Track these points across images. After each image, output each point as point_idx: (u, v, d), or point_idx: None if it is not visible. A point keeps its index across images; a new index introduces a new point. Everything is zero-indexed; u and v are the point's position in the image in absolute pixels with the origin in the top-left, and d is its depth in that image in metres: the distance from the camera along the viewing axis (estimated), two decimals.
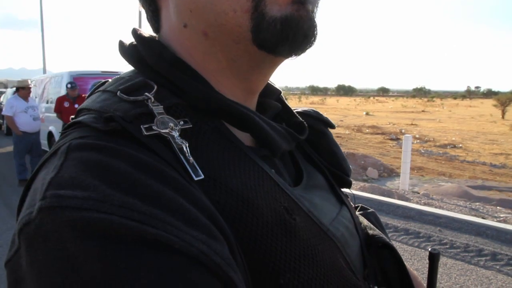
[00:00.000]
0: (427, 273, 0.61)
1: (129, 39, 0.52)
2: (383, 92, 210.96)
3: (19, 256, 0.32)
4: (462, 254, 4.06)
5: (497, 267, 3.81)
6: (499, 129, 24.23)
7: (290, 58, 0.48)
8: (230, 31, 0.44)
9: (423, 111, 44.49)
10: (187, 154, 0.39)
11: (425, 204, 5.77)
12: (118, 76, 0.48)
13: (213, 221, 0.34)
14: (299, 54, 0.48)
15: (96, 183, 0.32)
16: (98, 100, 0.43)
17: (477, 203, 6.59)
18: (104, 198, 0.31)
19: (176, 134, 0.40)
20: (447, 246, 4.20)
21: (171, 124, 0.40)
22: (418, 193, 7.22)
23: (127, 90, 0.43)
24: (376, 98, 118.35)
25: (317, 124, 0.62)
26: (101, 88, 0.47)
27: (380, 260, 0.58)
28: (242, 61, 0.47)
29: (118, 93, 0.42)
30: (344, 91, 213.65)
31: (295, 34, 0.45)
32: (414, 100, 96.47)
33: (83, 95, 7.19)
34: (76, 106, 6.89)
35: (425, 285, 0.62)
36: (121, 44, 0.52)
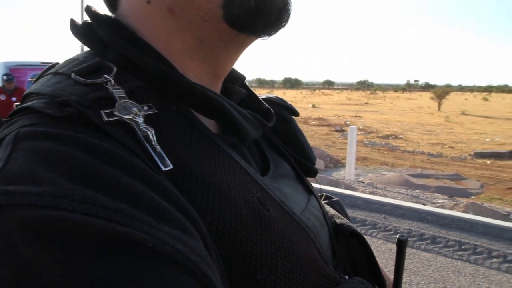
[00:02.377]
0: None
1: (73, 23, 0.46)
2: (329, 85, 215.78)
3: None
4: None
5: (436, 249, 4.06)
6: (436, 120, 25.50)
7: (261, 38, 0.46)
8: (198, 7, 0.41)
9: (366, 103, 45.89)
10: (153, 142, 0.35)
11: (370, 193, 6.00)
12: (71, 57, 0.43)
13: (185, 215, 0.31)
14: (271, 34, 0.45)
15: (52, 176, 0.28)
16: (48, 84, 0.38)
17: (417, 191, 6.94)
18: (63, 193, 0.27)
19: (140, 120, 0.36)
20: (391, 232, 4.41)
21: (135, 109, 0.36)
22: (363, 182, 7.48)
23: (83, 72, 0.38)
24: (322, 90, 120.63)
25: (281, 111, 0.59)
26: (51, 71, 0.42)
27: (348, 248, 0.57)
28: (210, 41, 0.43)
29: (72, 75, 0.37)
30: (291, 83, 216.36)
31: (270, 11, 0.42)
32: (358, 92, 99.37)
33: (20, 88, 6.85)
34: (14, 99, 6.55)
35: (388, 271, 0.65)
36: (73, 23, 0.46)
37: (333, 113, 29.56)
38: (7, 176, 0.28)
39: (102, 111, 0.34)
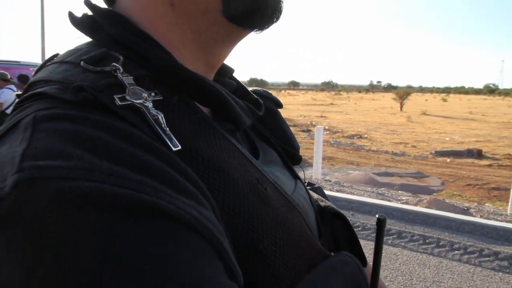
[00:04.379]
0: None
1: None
2: (294, 85, 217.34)
3: None
4: (372, 235, 4.42)
5: (403, 243, 4.21)
6: (398, 120, 26.14)
7: (255, 32, 0.49)
8: (199, 1, 0.43)
9: (331, 104, 46.52)
10: (163, 125, 0.37)
11: (337, 191, 6.14)
12: (74, 48, 0.44)
13: (198, 189, 0.34)
14: (265, 28, 0.48)
15: (79, 152, 0.29)
16: (57, 71, 0.39)
17: (382, 188, 7.14)
18: (92, 167, 0.28)
19: (150, 105, 0.37)
20: (359, 229, 4.54)
21: (145, 95, 0.38)
22: (330, 181, 7.63)
23: (91, 60, 0.39)
24: (287, 91, 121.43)
25: (267, 103, 0.63)
26: (55, 60, 0.43)
27: (332, 228, 0.61)
28: (208, 34, 0.46)
29: (81, 63, 0.38)
30: (256, 84, 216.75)
31: (266, 7, 0.45)
32: (323, 93, 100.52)
33: None
34: None
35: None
36: (72, 15, 0.47)
37: (299, 113, 29.83)
38: (35, 153, 0.29)
39: (115, 96, 0.36)
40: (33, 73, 0.45)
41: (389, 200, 5.76)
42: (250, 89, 0.61)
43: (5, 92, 6.50)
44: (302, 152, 0.67)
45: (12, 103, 6.51)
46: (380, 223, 0.60)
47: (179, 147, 0.36)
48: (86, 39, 0.46)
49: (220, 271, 0.31)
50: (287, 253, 0.41)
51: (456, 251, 4.02)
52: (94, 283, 0.24)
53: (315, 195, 0.67)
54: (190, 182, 0.33)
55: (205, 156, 0.39)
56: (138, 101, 0.36)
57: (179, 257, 0.27)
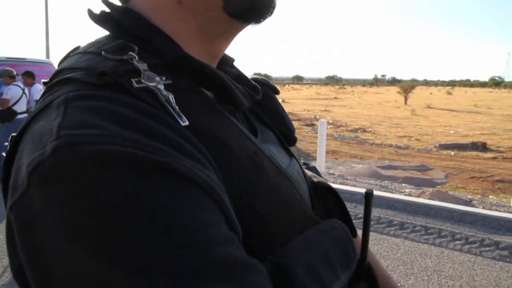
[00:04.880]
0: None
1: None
2: (298, 80, 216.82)
3: (28, 197, 0.33)
4: (375, 226, 4.48)
5: (404, 234, 4.27)
6: (403, 114, 26.13)
7: (252, 25, 0.54)
8: (203, 0, 0.49)
9: (335, 98, 46.49)
10: (173, 104, 0.42)
11: (340, 184, 6.20)
12: (94, 41, 0.50)
13: (203, 156, 0.39)
14: (261, 22, 0.54)
15: (105, 124, 0.35)
16: (82, 60, 0.45)
17: (386, 181, 7.19)
18: (116, 134, 0.34)
19: (161, 87, 0.43)
20: (361, 220, 4.59)
21: (157, 79, 0.43)
22: (334, 174, 7.67)
23: (111, 50, 0.45)
24: (291, 85, 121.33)
25: (265, 89, 0.68)
26: (79, 51, 0.49)
27: (325, 202, 0.65)
28: (211, 27, 0.52)
29: (102, 53, 0.44)
30: None
31: (262, 3, 0.51)
32: (327, 87, 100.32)
33: None
34: None
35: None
36: (91, 12, 0.53)
37: (303, 107, 29.86)
38: (69, 125, 0.34)
39: (132, 79, 0.41)
40: (57, 64, 0.52)
41: (392, 193, 5.81)
42: (249, 76, 0.67)
43: (12, 88, 6.56)
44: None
45: (19, 99, 6.59)
46: (368, 197, 0.66)
47: (187, 123, 0.42)
48: (99, 34, 0.53)
49: (222, 221, 0.36)
50: (281, 215, 0.47)
51: (458, 241, 4.07)
52: (121, 221, 0.30)
53: (309, 172, 0.72)
54: (196, 150, 0.39)
55: (209, 131, 0.44)
56: (151, 84, 0.42)
57: (186, 206, 0.33)
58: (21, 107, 6.57)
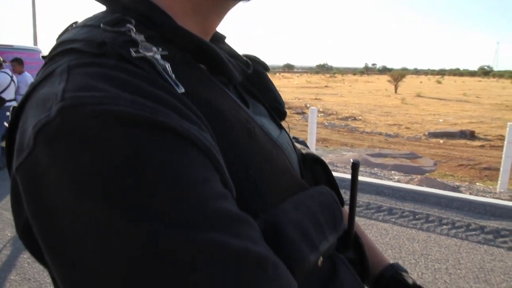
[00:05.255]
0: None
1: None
2: (289, 68, 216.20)
3: (34, 156, 0.35)
4: (364, 211, 4.55)
5: (393, 219, 4.34)
6: (393, 102, 26.23)
7: (242, 1, 0.56)
8: None
9: (326, 86, 46.49)
10: (169, 73, 0.44)
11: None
12: (92, 16, 0.52)
13: (199, 119, 0.41)
14: None
15: (106, 87, 0.36)
16: (82, 33, 0.47)
17: (376, 169, 7.27)
18: (118, 96, 0.35)
19: (158, 57, 0.44)
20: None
21: (154, 49, 0.45)
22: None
23: (109, 23, 0.46)
24: (282, 74, 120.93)
25: (256, 65, 0.70)
26: (78, 25, 0.51)
27: (313, 172, 0.68)
28: (204, 5, 0.54)
29: (101, 26, 0.46)
30: None
31: None
32: (317, 76, 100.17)
33: None
34: None
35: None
36: None
37: (294, 96, 29.83)
38: (73, 88, 0.36)
39: (130, 49, 0.43)
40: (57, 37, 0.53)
41: (381, 179, 5.89)
42: (241, 53, 0.70)
43: (0, 76, 6.50)
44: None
45: (7, 86, 6.51)
46: (355, 166, 0.70)
47: (183, 90, 0.43)
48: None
49: (217, 179, 0.38)
50: (272, 179, 0.49)
51: (444, 226, 4.16)
52: (124, 173, 0.32)
53: (298, 145, 0.74)
54: (192, 113, 0.40)
55: (204, 98, 0.46)
56: (149, 54, 0.44)
57: (184, 162, 0.35)
58: (9, 94, 6.50)
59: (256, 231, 0.38)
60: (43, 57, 0.50)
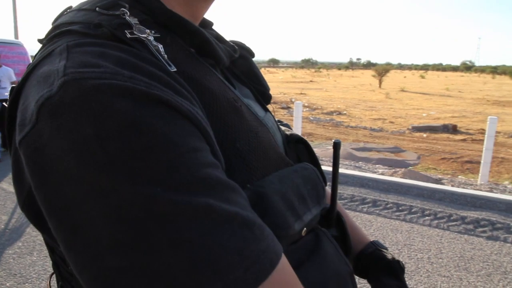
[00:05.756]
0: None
1: None
2: (274, 63, 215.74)
3: (38, 129, 0.36)
4: (349, 204, 4.61)
5: (377, 211, 4.42)
6: (377, 97, 26.44)
7: None
8: None
9: (311, 81, 46.59)
10: (162, 53, 0.46)
11: None
12: (85, 0, 0.54)
13: (190, 95, 0.43)
14: None
15: (105, 63, 0.38)
16: (78, 15, 0.49)
17: (360, 162, 7.34)
18: (117, 72, 0.38)
19: (152, 38, 0.47)
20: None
21: (147, 31, 0.47)
22: None
23: (104, 6, 0.49)
24: (267, 69, 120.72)
25: (242, 51, 0.73)
26: (73, 9, 0.53)
27: (297, 152, 0.70)
28: None
29: (97, 9, 0.48)
30: None
31: None
32: (302, 70, 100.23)
33: None
34: None
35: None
36: None
37: (279, 91, 29.83)
38: (74, 65, 0.38)
39: (125, 31, 0.45)
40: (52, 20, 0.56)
41: (365, 172, 5.97)
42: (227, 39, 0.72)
43: None
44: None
45: None
46: (336, 146, 0.73)
47: (175, 69, 0.46)
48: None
49: (207, 149, 0.40)
50: (258, 154, 0.52)
51: (427, 217, 4.25)
52: (123, 141, 0.34)
53: (282, 127, 0.77)
54: (184, 89, 0.43)
55: (194, 76, 0.49)
56: (142, 35, 0.46)
57: (177, 132, 0.37)
58: None
59: (244, 198, 0.41)
60: (39, 40, 0.53)
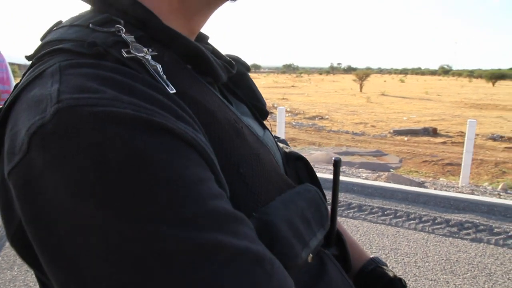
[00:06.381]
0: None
1: None
2: (255, 68, 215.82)
3: (29, 159, 0.34)
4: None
5: (363, 216, 4.44)
6: (358, 101, 26.71)
7: (230, 1, 0.56)
8: None
9: (293, 86, 46.79)
10: (160, 73, 0.44)
11: None
12: (77, 15, 0.51)
13: (192, 119, 0.41)
14: None
15: (102, 88, 0.36)
16: (70, 32, 0.46)
17: (344, 167, 7.39)
18: (115, 97, 0.35)
19: (149, 57, 0.44)
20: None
21: (145, 50, 0.44)
22: None
23: (98, 23, 0.46)
24: (249, 74, 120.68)
25: (238, 65, 0.69)
26: (63, 24, 0.49)
27: (296, 170, 0.68)
28: (191, 2, 0.53)
29: (90, 25, 0.45)
30: None
31: None
32: (284, 76, 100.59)
33: None
34: None
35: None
36: None
37: None
38: (68, 89, 0.35)
39: (122, 50, 0.42)
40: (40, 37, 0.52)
41: (349, 177, 6.01)
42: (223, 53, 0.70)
43: None
44: None
45: None
46: (336, 164, 0.72)
47: (174, 91, 0.43)
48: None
49: (212, 179, 0.38)
50: (262, 178, 0.50)
51: (412, 221, 4.29)
52: (123, 175, 0.32)
53: (280, 144, 0.75)
54: (186, 113, 0.40)
55: (194, 98, 0.46)
56: (140, 55, 0.43)
57: (181, 163, 0.35)
58: None
59: (251, 229, 0.39)
60: (27, 57, 0.49)
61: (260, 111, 0.71)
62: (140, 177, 0.32)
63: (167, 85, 0.43)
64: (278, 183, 0.54)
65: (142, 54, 0.44)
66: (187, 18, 0.55)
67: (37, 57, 0.45)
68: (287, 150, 0.72)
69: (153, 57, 0.46)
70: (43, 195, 0.33)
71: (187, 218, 0.33)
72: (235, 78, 0.69)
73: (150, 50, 0.46)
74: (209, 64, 0.54)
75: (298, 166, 0.69)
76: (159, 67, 0.44)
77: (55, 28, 0.51)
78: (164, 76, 0.44)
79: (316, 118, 17.68)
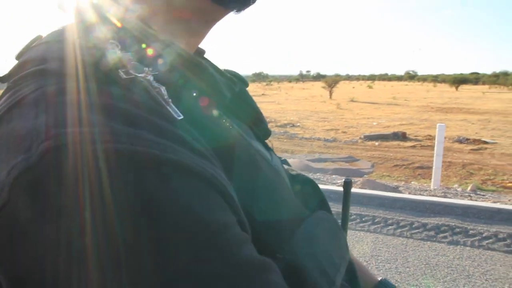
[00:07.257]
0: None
1: None
2: None
3: (12, 209, 0.28)
4: None
5: None
6: (328, 107, 27.06)
7: (233, 12, 0.50)
8: None
9: (263, 94, 46.98)
10: (165, 97, 0.38)
11: None
12: (59, 29, 0.45)
13: (208, 153, 0.36)
14: (244, 9, 0.50)
15: (99, 118, 0.30)
16: (53, 50, 0.39)
17: (318, 174, 7.42)
18: (116, 131, 0.30)
19: (151, 78, 0.39)
20: None
21: (146, 69, 0.39)
22: None
23: (87, 38, 0.39)
24: None
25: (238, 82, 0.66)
26: (45, 39, 0.43)
27: (304, 194, 0.63)
28: (194, 17, 0.48)
29: (78, 41, 0.39)
30: None
31: None
32: (254, 84, 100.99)
33: None
34: None
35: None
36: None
37: None
38: (57, 122, 0.30)
39: (119, 70, 0.36)
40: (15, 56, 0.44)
41: (325, 184, 6.02)
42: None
43: None
44: None
45: None
46: (347, 186, 0.69)
47: (182, 117, 0.37)
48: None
49: (235, 221, 0.34)
50: (282, 210, 0.47)
51: (390, 226, 4.32)
52: (141, 226, 0.27)
53: (285, 166, 0.71)
54: (200, 145, 0.36)
55: (205, 124, 0.41)
56: (140, 75, 0.38)
57: (202, 207, 0.31)
58: None
59: (279, 276, 0.35)
60: (1, 78, 0.42)
61: (263, 131, 0.66)
62: (155, 231, 0.27)
63: (173, 111, 0.37)
64: (296, 214, 0.50)
65: (142, 75, 0.38)
66: (189, 33, 0.51)
67: (14, 80, 0.38)
68: (293, 173, 0.67)
69: (155, 77, 0.40)
70: (32, 253, 0.28)
71: (215, 273, 0.29)
72: (234, 96, 0.63)
73: (150, 69, 0.40)
74: (214, 83, 0.49)
75: (306, 190, 0.65)
76: (163, 89, 0.38)
77: (34, 44, 0.44)
78: (170, 100, 0.38)
79: (288, 126, 17.76)
